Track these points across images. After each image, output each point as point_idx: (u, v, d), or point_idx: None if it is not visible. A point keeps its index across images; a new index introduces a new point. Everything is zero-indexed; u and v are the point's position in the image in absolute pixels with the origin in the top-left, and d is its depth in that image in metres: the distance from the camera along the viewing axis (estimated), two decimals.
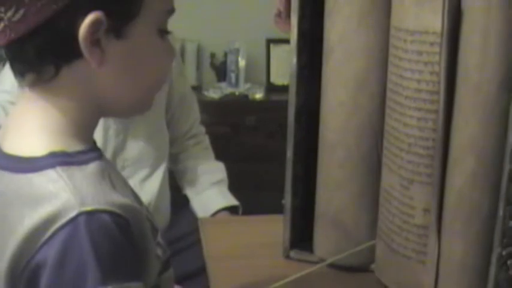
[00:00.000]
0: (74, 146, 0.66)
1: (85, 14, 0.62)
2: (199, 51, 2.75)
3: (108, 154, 1.43)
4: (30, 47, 0.64)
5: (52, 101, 0.66)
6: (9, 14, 0.62)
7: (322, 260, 1.05)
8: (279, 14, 1.89)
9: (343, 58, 0.98)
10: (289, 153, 1.06)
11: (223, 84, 2.71)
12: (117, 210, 0.62)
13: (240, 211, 1.58)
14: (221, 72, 2.74)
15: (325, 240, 1.05)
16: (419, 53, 0.86)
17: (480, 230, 0.85)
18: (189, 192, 1.60)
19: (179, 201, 1.60)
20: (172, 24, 2.72)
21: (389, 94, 0.93)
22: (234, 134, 2.57)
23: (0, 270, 0.62)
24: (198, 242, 1.20)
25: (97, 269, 0.59)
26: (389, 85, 0.93)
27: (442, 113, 0.85)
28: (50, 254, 0.59)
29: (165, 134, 1.55)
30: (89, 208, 0.60)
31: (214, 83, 2.76)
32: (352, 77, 0.97)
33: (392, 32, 0.91)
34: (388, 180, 0.94)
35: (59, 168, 0.63)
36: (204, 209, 1.55)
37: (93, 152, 0.68)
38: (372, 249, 1.01)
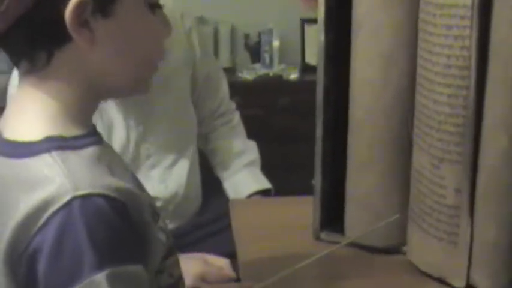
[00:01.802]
0: (71, 131, 0.65)
1: None
2: (232, 32, 2.74)
3: (132, 144, 1.39)
4: (20, 35, 0.64)
5: (48, 88, 0.66)
6: None
7: (352, 242, 1.03)
8: None
9: (370, 34, 0.95)
10: (319, 133, 1.04)
11: (257, 65, 2.70)
12: (112, 194, 0.61)
13: (272, 194, 1.56)
14: (255, 53, 2.72)
15: (356, 222, 1.04)
16: (449, 27, 0.83)
17: None
18: (221, 174, 1.56)
19: (212, 183, 1.58)
20: (206, 6, 2.70)
21: (419, 70, 0.90)
22: (268, 115, 2.55)
23: None
24: (231, 224, 1.19)
25: (93, 253, 0.58)
26: (419, 61, 0.90)
27: (473, 89, 0.82)
28: (45, 239, 0.58)
29: (192, 117, 1.50)
30: (82, 192, 0.60)
31: (248, 64, 2.74)
32: (380, 53, 0.95)
33: (421, 5, 0.88)
34: (419, 159, 0.92)
35: (54, 153, 0.62)
36: (236, 193, 1.51)
37: (91, 137, 0.67)
38: (403, 231, 0.99)
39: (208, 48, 1.58)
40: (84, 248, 0.58)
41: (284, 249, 1.06)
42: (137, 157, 1.41)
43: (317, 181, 1.05)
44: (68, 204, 0.59)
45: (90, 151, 0.64)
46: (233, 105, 1.63)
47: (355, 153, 1.02)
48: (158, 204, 1.42)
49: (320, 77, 1.01)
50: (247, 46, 2.75)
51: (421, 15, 0.88)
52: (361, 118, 0.99)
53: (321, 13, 0.99)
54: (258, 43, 2.70)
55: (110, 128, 1.37)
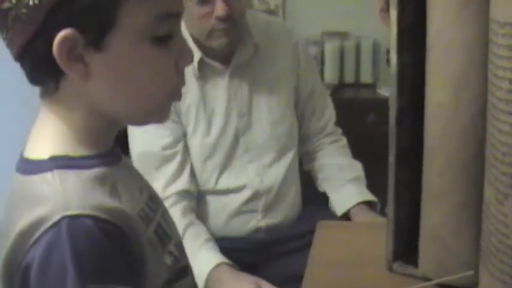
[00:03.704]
0: (78, 151, 0.67)
1: (58, 33, 0.63)
2: (374, 47, 2.68)
3: (229, 135, 1.48)
4: (28, 64, 0.67)
5: (57, 111, 0.68)
6: (3, 35, 0.66)
7: (424, 276, 0.96)
8: (383, 9, 1.77)
9: (441, 55, 0.88)
10: (392, 158, 0.98)
11: None
12: (103, 215, 0.62)
13: (379, 207, 1.52)
14: None
15: (427, 255, 0.96)
16: (510, 48, 0.74)
17: None
18: (327, 188, 1.58)
19: (317, 199, 1.59)
20: (349, 21, 2.74)
21: (488, 95, 0.82)
22: None
23: None
24: None
25: (76, 271, 0.60)
26: (488, 85, 0.82)
27: None
28: (36, 256, 0.61)
29: (292, 124, 1.55)
30: (72, 212, 0.61)
31: (389, 81, 2.66)
32: (452, 75, 0.87)
33: (490, 24, 0.80)
34: (487, 193, 0.83)
35: (56, 171, 0.64)
36: (340, 205, 1.52)
37: (100, 158, 0.68)
38: (477, 269, 0.90)
39: (313, 67, 1.65)
40: (68, 266, 0.60)
41: (355, 278, 1.02)
42: (235, 149, 1.49)
43: (390, 210, 1.00)
44: (57, 223, 0.61)
45: (94, 172, 0.66)
46: (339, 130, 1.66)
47: (427, 182, 0.94)
48: (249, 193, 1.48)
49: (393, 101, 0.96)
50: (388, 62, 2.67)
51: (490, 35, 0.80)
52: (433, 145, 0.92)
53: (393, 33, 0.93)
54: None
55: (210, 115, 1.47)
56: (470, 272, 0.87)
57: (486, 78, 0.84)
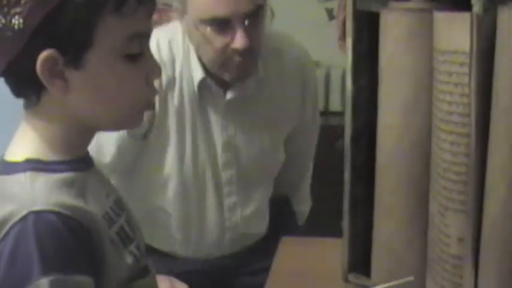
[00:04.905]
0: (51, 157, 0.74)
1: (40, 53, 0.70)
2: (344, 76, 2.77)
3: (219, 167, 1.41)
4: (10, 80, 0.74)
5: (37, 122, 0.75)
6: None
7: (376, 286, 1.03)
8: (341, 38, 1.87)
9: (392, 80, 0.96)
10: (347, 176, 1.05)
11: None
12: (65, 211, 0.69)
13: None
14: None
15: (379, 266, 1.03)
16: (449, 73, 0.83)
17: None
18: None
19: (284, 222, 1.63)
20: (318, 51, 2.73)
21: (432, 117, 0.90)
22: None
23: None
24: None
25: (41, 261, 0.66)
26: (432, 107, 0.90)
27: (473, 137, 0.81)
28: (5, 247, 0.68)
29: (279, 157, 1.49)
30: (37, 208, 0.68)
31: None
32: (402, 99, 0.95)
33: (433, 53, 0.89)
34: (431, 206, 0.91)
35: (28, 173, 0.71)
36: None
37: (71, 164, 0.75)
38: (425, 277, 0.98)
39: (306, 92, 1.52)
40: (34, 256, 0.67)
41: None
42: (219, 180, 1.42)
43: (345, 224, 1.06)
44: (24, 218, 0.68)
45: (64, 176, 0.73)
46: (311, 165, 1.63)
47: (379, 197, 1.02)
48: (215, 234, 1.44)
49: (348, 123, 1.03)
50: None
51: (433, 62, 0.88)
52: (385, 164, 1.00)
53: (348, 59, 1.01)
54: None
55: (197, 146, 1.39)
56: (410, 278, 0.93)
57: (431, 102, 0.92)
